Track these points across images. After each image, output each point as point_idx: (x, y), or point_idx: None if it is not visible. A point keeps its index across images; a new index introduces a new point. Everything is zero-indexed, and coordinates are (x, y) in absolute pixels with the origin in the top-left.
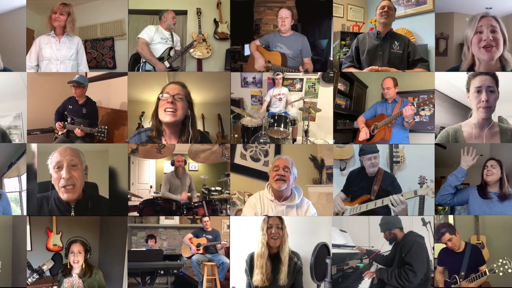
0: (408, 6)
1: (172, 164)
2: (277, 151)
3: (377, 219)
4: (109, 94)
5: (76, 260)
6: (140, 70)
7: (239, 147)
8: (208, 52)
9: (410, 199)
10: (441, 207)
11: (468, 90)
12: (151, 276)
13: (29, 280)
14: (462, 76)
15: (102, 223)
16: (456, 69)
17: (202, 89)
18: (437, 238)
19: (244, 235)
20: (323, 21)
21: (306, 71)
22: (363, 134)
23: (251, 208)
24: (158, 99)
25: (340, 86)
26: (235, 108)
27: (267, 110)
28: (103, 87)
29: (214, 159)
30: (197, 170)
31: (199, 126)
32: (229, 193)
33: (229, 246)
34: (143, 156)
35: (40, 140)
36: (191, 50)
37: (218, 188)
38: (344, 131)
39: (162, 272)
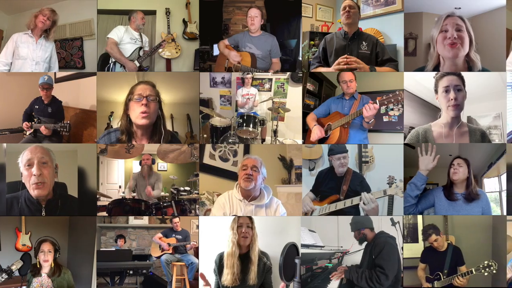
0: (377, 6)
1: (140, 163)
2: (246, 151)
3: (346, 219)
4: (78, 94)
5: (46, 259)
6: (110, 70)
7: (208, 147)
8: (177, 52)
9: (379, 199)
10: None
11: (436, 91)
12: (120, 276)
13: None
14: (430, 76)
15: (71, 223)
16: (422, 69)
17: (171, 89)
18: (424, 239)
19: (213, 235)
20: (292, 21)
21: (276, 72)
22: (317, 132)
23: (220, 208)
24: (129, 100)
25: (309, 86)
26: (204, 108)
27: (236, 110)
28: (72, 87)
29: (183, 159)
30: (166, 170)
31: (168, 126)
32: (198, 193)
33: (198, 246)
34: (112, 156)
35: (9, 140)
36: (160, 50)
37: (187, 188)
38: None
39: (131, 272)
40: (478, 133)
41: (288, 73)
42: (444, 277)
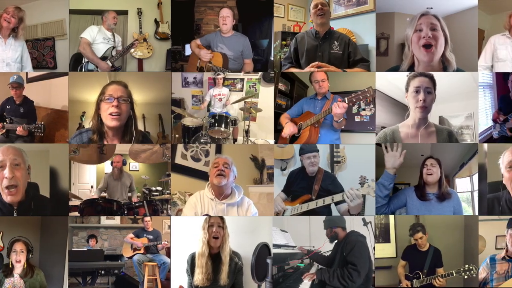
0: (349, 6)
1: (112, 164)
2: (218, 151)
3: (318, 219)
4: (50, 94)
5: (18, 259)
6: (83, 70)
7: (180, 147)
8: (148, 52)
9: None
10: None
11: (407, 90)
12: (92, 276)
13: None
14: (403, 76)
15: (43, 223)
16: (396, 68)
17: (143, 89)
18: (411, 234)
19: (185, 235)
20: (264, 21)
21: (248, 73)
22: (290, 128)
23: (192, 208)
24: (100, 100)
25: (281, 86)
26: (176, 108)
27: (208, 110)
28: (44, 87)
29: (155, 159)
30: (138, 170)
31: (140, 126)
32: (170, 193)
33: (170, 246)
34: (85, 160)
35: None
36: (132, 50)
37: (159, 188)
38: None
39: (103, 272)
40: (445, 132)
41: (260, 73)
42: (424, 276)
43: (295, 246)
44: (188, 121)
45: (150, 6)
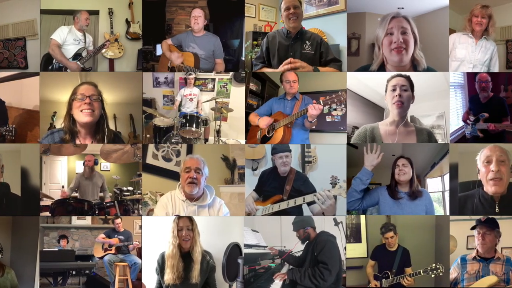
0: (320, 6)
1: (84, 164)
2: (189, 151)
3: (289, 219)
4: (21, 94)
5: None
6: (54, 69)
7: (151, 147)
8: (120, 52)
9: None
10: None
11: (386, 91)
12: (63, 276)
13: None
14: (374, 76)
15: (14, 223)
16: (366, 68)
17: (114, 89)
18: (383, 232)
19: (156, 235)
20: (235, 21)
21: (219, 72)
22: (265, 120)
23: (163, 208)
24: (72, 100)
25: (252, 86)
26: (147, 108)
27: (179, 110)
28: (15, 87)
29: (126, 159)
30: (109, 170)
31: (111, 126)
32: (141, 193)
33: (141, 247)
34: (59, 152)
35: None
36: (103, 50)
37: (130, 188)
38: None
39: (74, 272)
40: (425, 132)
41: (231, 73)
42: (392, 276)
43: (266, 246)
44: (159, 121)
45: (121, 6)
